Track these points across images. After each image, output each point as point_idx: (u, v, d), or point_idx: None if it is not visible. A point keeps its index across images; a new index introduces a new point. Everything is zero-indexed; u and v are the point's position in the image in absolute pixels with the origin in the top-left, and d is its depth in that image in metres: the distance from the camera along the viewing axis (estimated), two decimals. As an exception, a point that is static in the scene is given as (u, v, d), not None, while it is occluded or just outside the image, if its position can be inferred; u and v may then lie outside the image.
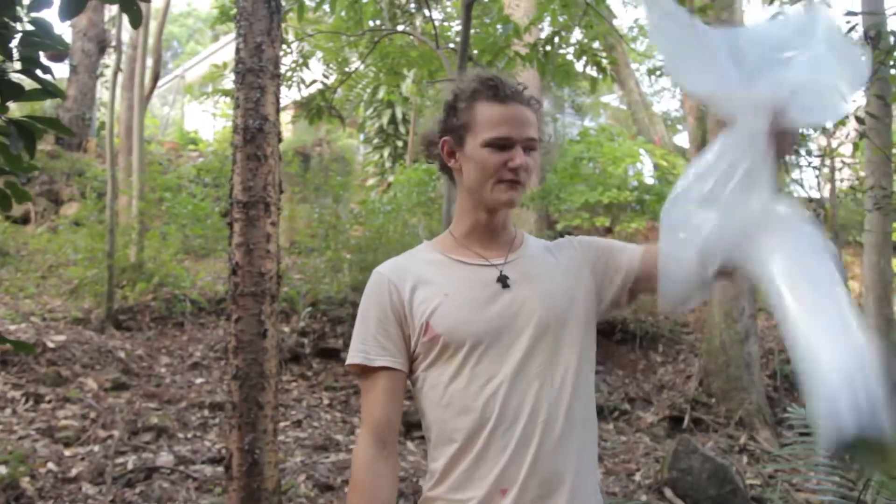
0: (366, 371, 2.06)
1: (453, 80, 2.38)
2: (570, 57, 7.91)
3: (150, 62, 12.49)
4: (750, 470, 7.23)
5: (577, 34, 7.93)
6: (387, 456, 2.02)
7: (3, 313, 8.38)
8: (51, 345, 7.47)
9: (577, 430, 2.01)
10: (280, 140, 5.15)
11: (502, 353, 1.99)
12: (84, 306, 9.12)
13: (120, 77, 12.77)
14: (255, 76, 4.99)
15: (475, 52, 7.40)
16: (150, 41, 12.60)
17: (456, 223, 2.19)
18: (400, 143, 17.15)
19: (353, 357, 2.07)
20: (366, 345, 2.06)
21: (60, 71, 17.31)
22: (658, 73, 7.42)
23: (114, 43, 11.20)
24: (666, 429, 8.15)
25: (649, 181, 16.45)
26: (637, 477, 6.81)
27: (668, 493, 6.47)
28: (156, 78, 12.80)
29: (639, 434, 7.99)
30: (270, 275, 4.94)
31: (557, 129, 22.07)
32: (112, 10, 12.48)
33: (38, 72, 3.05)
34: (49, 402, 6.69)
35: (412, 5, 10.52)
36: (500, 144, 2.01)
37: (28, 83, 3.14)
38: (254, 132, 4.93)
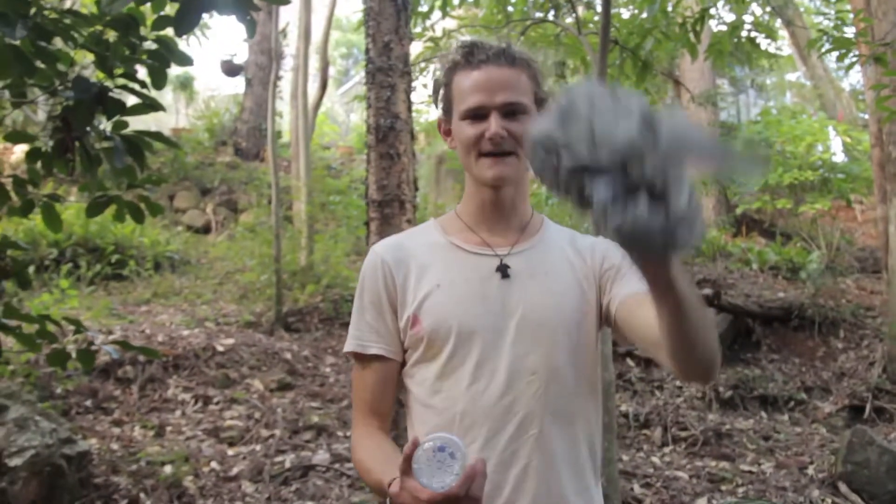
0: (360, 358, 1.93)
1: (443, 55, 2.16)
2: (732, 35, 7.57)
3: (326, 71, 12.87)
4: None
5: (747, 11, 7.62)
6: (383, 436, 1.91)
7: (179, 319, 8.77)
8: (220, 348, 7.75)
9: (578, 448, 1.85)
10: (413, 138, 5.15)
11: (490, 355, 1.81)
12: (256, 310, 9.43)
13: (289, 87, 13.20)
14: (385, 75, 5.02)
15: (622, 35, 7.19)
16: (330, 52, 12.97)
17: (462, 203, 2.00)
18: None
19: (347, 344, 1.94)
20: (360, 330, 1.93)
21: (237, 85, 18.07)
22: (818, 46, 7.00)
23: (276, 53, 11.51)
24: (845, 419, 7.68)
25: (837, 159, 15.67)
26: (810, 470, 6.46)
27: (843, 487, 6.10)
28: (323, 86, 13.13)
29: (815, 425, 7.58)
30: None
31: (739, 108, 21.39)
32: (281, 22, 12.87)
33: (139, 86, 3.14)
34: (217, 403, 6.93)
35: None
36: (475, 114, 1.84)
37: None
38: (385, 131, 4.95)
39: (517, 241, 1.93)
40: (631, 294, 1.84)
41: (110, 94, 3.00)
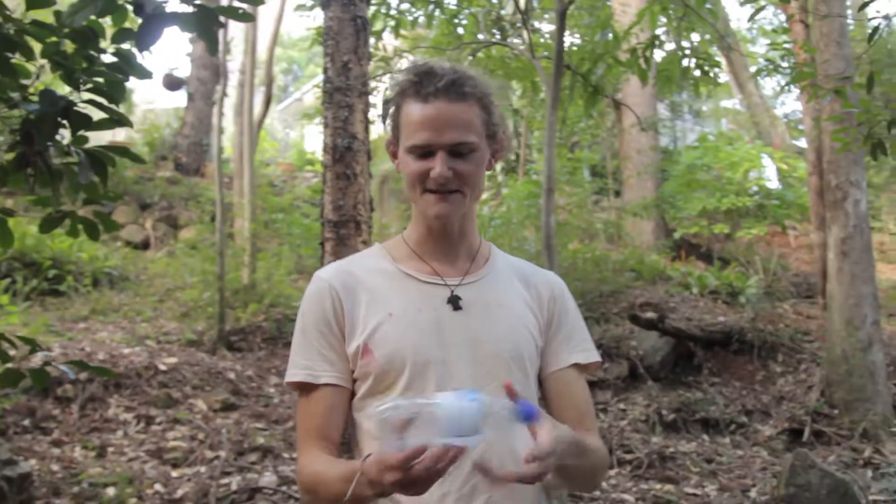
0: (308, 387, 1.85)
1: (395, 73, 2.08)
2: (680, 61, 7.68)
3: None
4: (875, 485, 6.86)
5: (694, 38, 7.75)
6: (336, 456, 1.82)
7: (119, 337, 8.61)
8: (162, 367, 7.62)
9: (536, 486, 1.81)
10: (370, 158, 5.13)
11: (446, 388, 1.73)
12: (197, 328, 9.29)
13: (233, 102, 13.08)
14: (343, 95, 4.98)
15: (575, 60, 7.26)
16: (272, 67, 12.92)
17: (410, 227, 1.98)
18: (512, 157, 17.03)
19: (294, 374, 1.86)
20: (309, 360, 1.85)
21: (178, 99, 17.88)
22: (765, 74, 7.21)
23: (222, 69, 11.41)
24: (785, 442, 7.79)
25: (772, 185, 15.99)
26: (752, 493, 6.53)
27: (786, 510, 6.18)
28: (268, 102, 13.03)
29: (756, 448, 7.67)
30: (362, 293, 4.91)
31: (676, 135, 21.73)
32: (224, 37, 12.75)
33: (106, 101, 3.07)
34: (159, 423, 6.81)
35: (520, 18, 10.44)
36: (421, 152, 1.80)
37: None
38: (342, 151, 4.91)
39: (467, 272, 1.92)
40: (562, 369, 1.92)
41: (75, 108, 2.93)
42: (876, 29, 4.45)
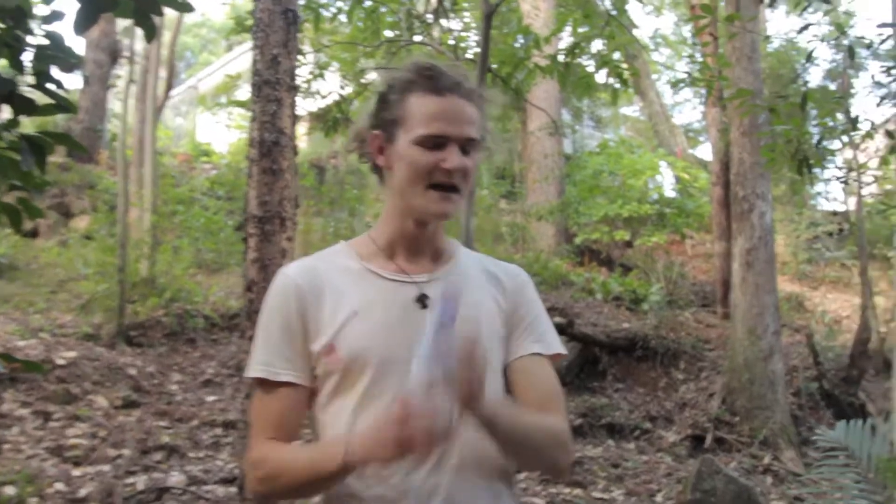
0: (267, 384, 1.81)
1: (390, 68, 2.04)
2: (590, 68, 7.73)
3: (163, 73, 12.47)
4: (775, 491, 7.05)
5: (597, 45, 7.81)
6: None
7: (12, 329, 8.27)
8: (60, 361, 7.34)
9: (494, 481, 1.80)
10: (296, 153, 5.02)
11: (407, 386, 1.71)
12: (94, 322, 8.99)
13: (133, 88, 12.70)
14: (272, 89, 4.87)
15: (494, 64, 7.26)
16: (164, 52, 12.58)
17: (379, 227, 1.92)
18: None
19: (254, 370, 1.81)
20: (269, 356, 1.81)
21: (72, 82, 17.29)
22: (681, 84, 7.35)
23: (126, 54, 11.07)
24: (688, 448, 7.97)
25: (670, 194, 16.31)
26: (658, 498, 6.64)
27: (692, 515, 6.28)
28: (168, 89, 12.73)
29: (660, 454, 7.80)
30: (286, 292, 4.81)
31: (576, 140, 21.98)
32: (125, 21, 12.40)
33: (51, 86, 2.93)
34: (58, 420, 6.56)
35: (429, 16, 10.41)
36: (434, 143, 1.75)
37: (41, 97, 3.05)
38: (269, 146, 4.80)
39: (434, 269, 1.88)
40: (522, 357, 1.90)
41: (17, 91, 2.78)
42: (810, 54, 4.56)
